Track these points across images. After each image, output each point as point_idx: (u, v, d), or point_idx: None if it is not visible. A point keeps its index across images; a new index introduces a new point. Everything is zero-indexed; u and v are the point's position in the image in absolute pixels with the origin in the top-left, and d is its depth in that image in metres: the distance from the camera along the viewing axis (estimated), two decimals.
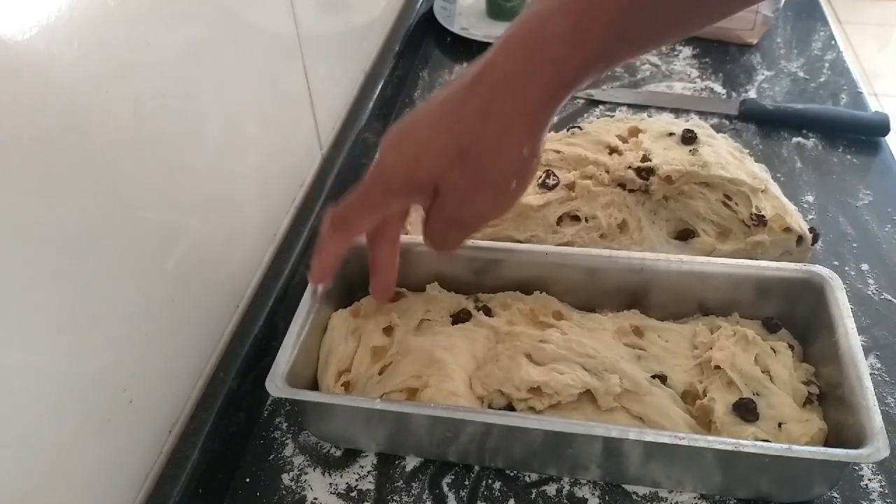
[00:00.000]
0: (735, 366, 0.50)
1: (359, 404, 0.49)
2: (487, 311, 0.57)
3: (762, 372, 0.50)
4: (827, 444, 0.47)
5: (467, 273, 0.58)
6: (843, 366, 0.47)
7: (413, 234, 0.56)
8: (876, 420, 0.43)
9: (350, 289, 0.59)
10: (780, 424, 0.48)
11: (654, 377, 0.51)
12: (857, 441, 0.44)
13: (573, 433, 0.46)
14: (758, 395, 0.49)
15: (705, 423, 0.49)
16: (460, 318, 0.56)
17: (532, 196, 0.64)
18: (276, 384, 0.48)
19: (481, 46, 0.96)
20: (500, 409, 0.50)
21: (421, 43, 0.99)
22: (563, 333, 0.53)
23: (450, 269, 0.58)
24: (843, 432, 0.47)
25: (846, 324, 0.49)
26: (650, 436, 0.45)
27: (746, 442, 0.44)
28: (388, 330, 0.56)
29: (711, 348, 0.52)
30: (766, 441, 0.46)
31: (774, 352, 0.52)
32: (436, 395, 0.50)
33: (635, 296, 0.57)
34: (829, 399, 0.50)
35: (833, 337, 0.49)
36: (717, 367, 0.51)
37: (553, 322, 0.55)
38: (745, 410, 0.48)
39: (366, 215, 0.49)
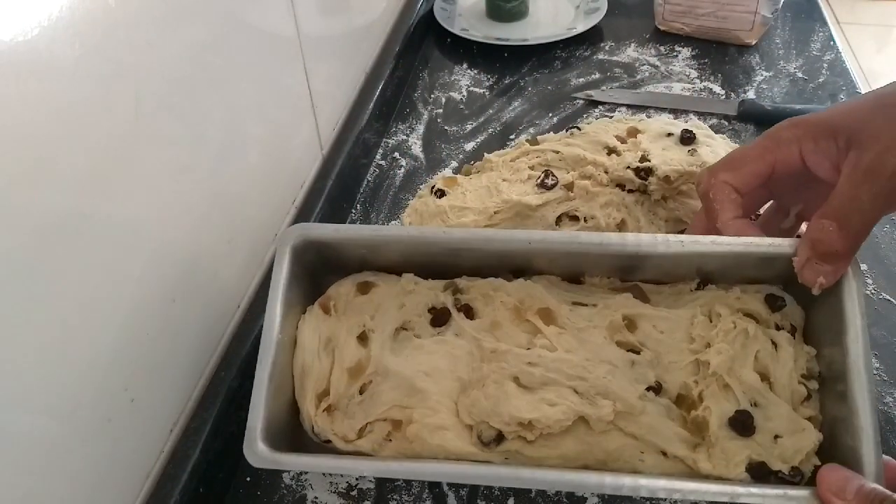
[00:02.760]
0: (733, 371, 0.49)
1: (348, 471, 0.48)
2: (468, 312, 0.53)
3: (761, 377, 0.49)
4: (823, 443, 0.47)
5: (444, 256, 0.53)
6: (846, 349, 0.46)
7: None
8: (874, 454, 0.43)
9: (315, 280, 0.54)
10: (775, 437, 0.47)
11: (648, 389, 0.50)
12: (852, 460, 0.44)
13: (567, 481, 0.46)
14: (756, 405, 0.48)
15: (699, 436, 0.48)
16: (439, 319, 0.53)
17: (530, 196, 0.64)
18: (255, 451, 0.45)
19: (481, 47, 0.96)
20: (489, 438, 0.48)
21: (421, 44, 0.99)
22: (551, 349, 0.50)
23: (425, 252, 0.53)
24: (838, 434, 0.46)
25: (854, 287, 0.48)
26: (644, 490, 0.44)
27: (742, 490, 0.44)
28: (363, 337, 0.52)
29: (709, 344, 0.51)
30: (762, 462, 0.46)
31: (776, 346, 0.50)
32: (422, 430, 0.48)
33: (631, 263, 0.53)
34: (829, 392, 0.49)
35: (839, 308, 0.48)
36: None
37: (540, 326, 0.52)
38: (742, 427, 0.47)
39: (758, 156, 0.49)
